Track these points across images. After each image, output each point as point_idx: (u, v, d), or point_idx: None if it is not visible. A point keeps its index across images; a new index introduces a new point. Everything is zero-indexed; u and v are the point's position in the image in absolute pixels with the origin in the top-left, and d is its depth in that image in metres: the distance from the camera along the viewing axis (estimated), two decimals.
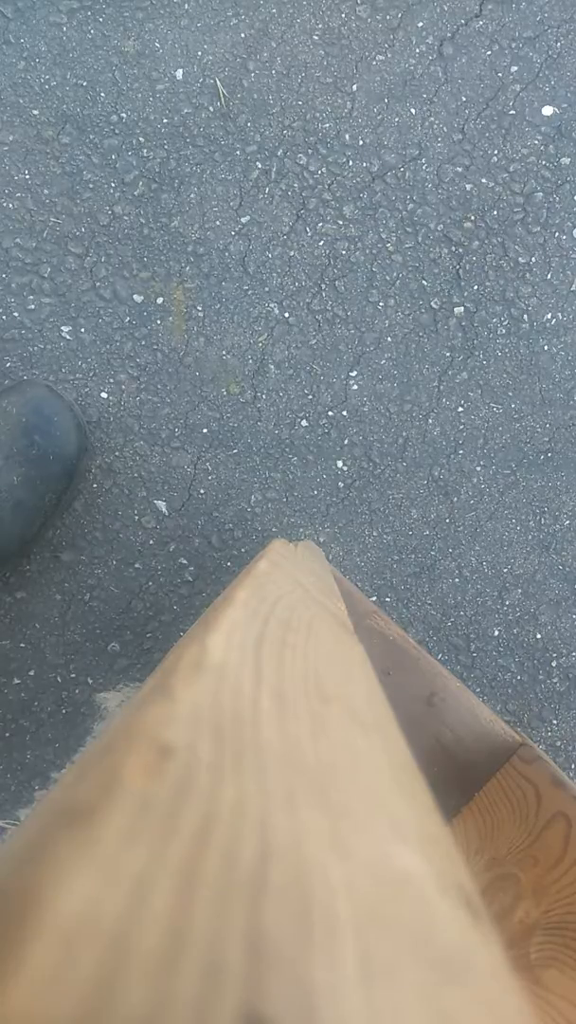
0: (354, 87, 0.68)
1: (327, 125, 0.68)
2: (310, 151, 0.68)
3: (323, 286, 0.69)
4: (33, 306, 0.66)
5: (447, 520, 0.73)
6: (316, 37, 0.67)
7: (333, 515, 0.72)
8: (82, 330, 0.67)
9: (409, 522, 0.73)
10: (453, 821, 0.60)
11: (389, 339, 0.70)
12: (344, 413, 0.71)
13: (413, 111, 0.68)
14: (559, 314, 0.71)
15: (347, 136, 0.68)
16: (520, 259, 0.70)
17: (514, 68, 0.68)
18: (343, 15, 0.67)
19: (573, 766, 0.77)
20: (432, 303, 0.70)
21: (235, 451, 0.70)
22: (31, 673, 0.70)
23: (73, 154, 0.65)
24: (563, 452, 0.73)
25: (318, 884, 0.10)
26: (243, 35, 0.66)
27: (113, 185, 0.66)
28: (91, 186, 0.66)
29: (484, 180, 0.69)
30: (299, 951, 0.08)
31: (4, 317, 0.66)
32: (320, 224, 0.69)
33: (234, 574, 0.71)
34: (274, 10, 0.66)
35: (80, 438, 0.62)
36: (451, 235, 0.70)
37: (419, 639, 0.75)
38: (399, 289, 0.70)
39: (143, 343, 0.68)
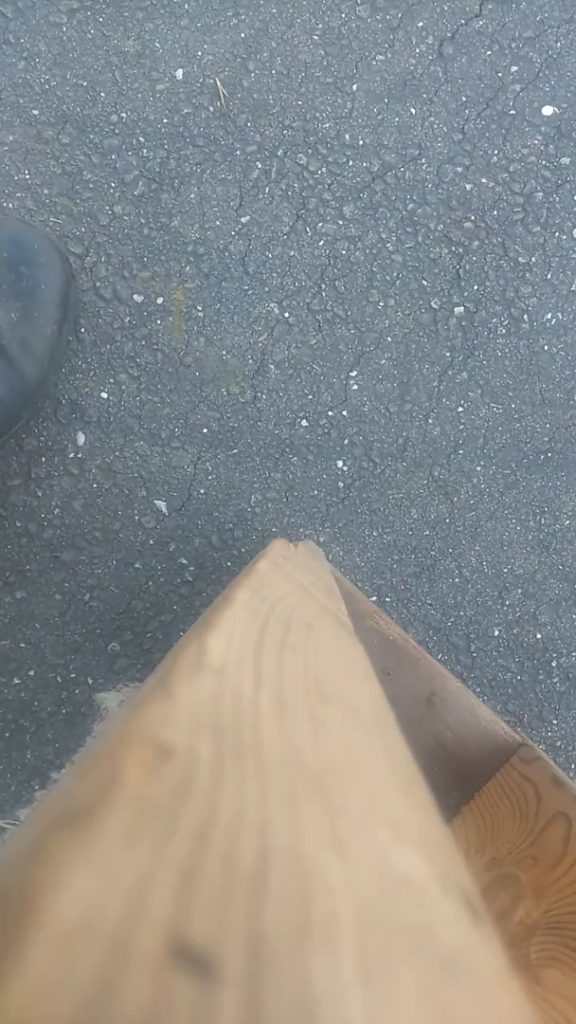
0: (354, 87, 0.68)
1: (327, 125, 0.68)
2: (310, 151, 0.68)
3: (323, 286, 0.69)
4: None
5: (447, 520, 0.73)
6: (316, 37, 0.67)
7: (333, 515, 0.72)
8: (82, 330, 0.67)
9: (409, 522, 0.73)
10: (453, 821, 0.60)
11: (389, 339, 0.70)
12: (344, 413, 0.71)
13: (413, 111, 0.68)
14: (559, 314, 0.71)
15: (347, 136, 0.68)
16: (520, 259, 0.70)
17: (514, 68, 0.68)
18: (343, 15, 0.67)
19: (573, 766, 0.77)
20: (432, 303, 0.70)
21: (235, 451, 0.70)
22: (31, 673, 0.70)
23: (73, 154, 0.65)
24: (563, 452, 0.73)
25: (318, 884, 0.10)
26: (243, 35, 0.66)
27: (113, 185, 0.66)
28: (91, 186, 0.66)
29: (484, 180, 0.69)
30: (299, 951, 0.08)
31: None
32: (320, 224, 0.69)
33: (234, 574, 0.71)
34: (274, 10, 0.66)
35: (64, 263, 0.61)
36: (451, 235, 0.70)
37: (419, 639, 0.75)
38: (399, 289, 0.70)
39: (143, 343, 0.68)
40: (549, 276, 0.71)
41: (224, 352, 0.69)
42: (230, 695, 0.15)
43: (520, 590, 0.74)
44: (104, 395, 0.68)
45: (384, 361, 0.71)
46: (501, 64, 0.68)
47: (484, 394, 0.72)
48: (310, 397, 0.70)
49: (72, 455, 0.68)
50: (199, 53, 0.66)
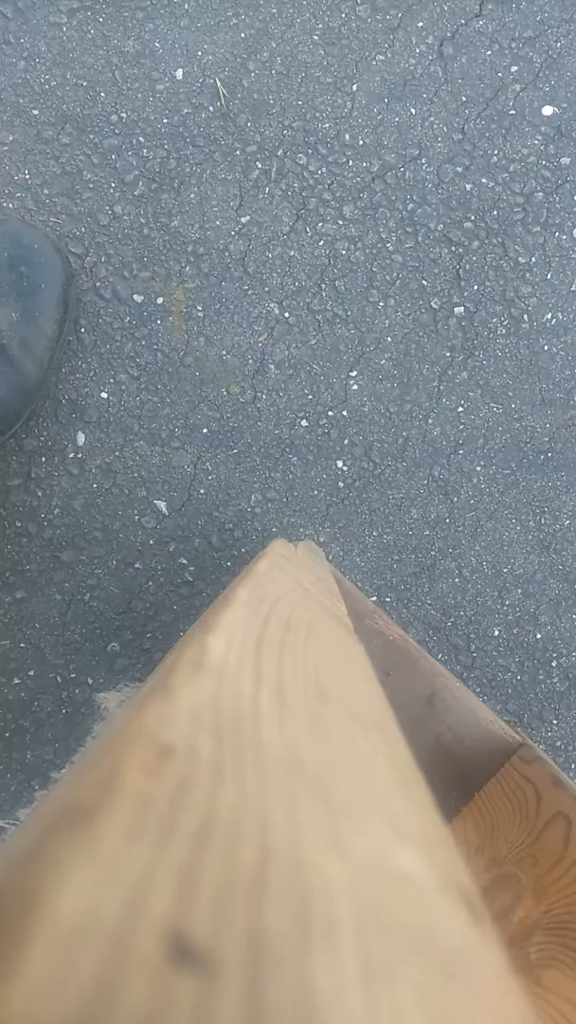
0: (354, 87, 0.68)
1: (327, 125, 0.68)
2: (310, 151, 0.68)
3: (323, 286, 0.69)
4: None
5: (447, 520, 0.73)
6: (316, 37, 0.67)
7: (333, 515, 0.72)
8: (82, 330, 0.67)
9: (409, 522, 0.73)
10: (453, 821, 0.60)
11: (389, 339, 0.70)
12: (344, 413, 0.71)
13: (413, 111, 0.68)
14: (559, 314, 0.71)
15: (347, 136, 0.68)
16: (520, 259, 0.70)
17: (514, 68, 0.68)
18: (343, 15, 0.67)
19: (573, 766, 0.77)
20: (432, 303, 0.70)
21: (235, 451, 0.70)
22: (31, 673, 0.70)
23: (73, 154, 0.65)
24: (563, 452, 0.73)
25: (318, 884, 0.10)
26: (243, 35, 0.66)
27: (113, 185, 0.66)
28: (91, 186, 0.66)
29: (484, 180, 0.69)
30: (299, 951, 0.08)
31: None
32: (320, 224, 0.69)
33: (234, 574, 0.71)
34: (274, 10, 0.66)
35: (64, 262, 0.61)
36: (451, 235, 0.70)
37: (419, 639, 0.75)
38: (399, 289, 0.70)
39: (143, 343, 0.68)
40: (549, 276, 0.71)
41: (224, 352, 0.69)
42: (230, 695, 0.15)
43: (520, 590, 0.74)
44: (104, 395, 0.68)
45: (384, 361, 0.71)
46: (501, 64, 0.68)
47: (484, 394, 0.72)
48: (310, 397, 0.70)
49: (72, 455, 0.68)
50: (199, 53, 0.66)
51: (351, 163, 0.68)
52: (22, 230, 0.59)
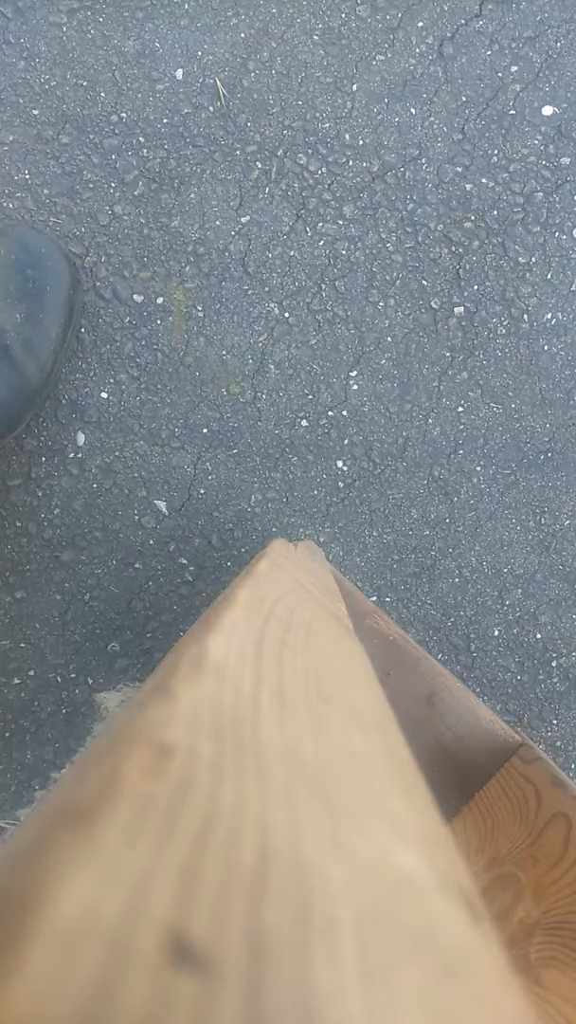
0: (354, 87, 0.68)
1: (327, 125, 0.68)
2: (310, 151, 0.68)
3: (323, 286, 0.69)
4: None
5: (447, 520, 0.73)
6: (316, 37, 0.67)
7: (333, 515, 0.72)
8: (82, 330, 0.67)
9: (409, 522, 0.73)
10: (453, 821, 0.60)
11: (389, 339, 0.70)
12: (344, 413, 0.71)
13: (413, 111, 0.68)
14: (559, 314, 0.71)
15: (347, 136, 0.68)
16: (520, 259, 0.70)
17: (514, 68, 0.68)
18: (343, 15, 0.67)
19: (573, 766, 0.76)
20: (432, 303, 0.70)
21: (235, 451, 0.70)
22: (31, 673, 0.70)
23: (73, 154, 0.65)
24: (563, 452, 0.73)
25: (318, 884, 0.10)
26: (243, 35, 0.66)
27: (113, 185, 0.66)
28: (91, 186, 0.66)
29: (484, 180, 0.69)
30: (299, 951, 0.08)
31: None
32: (320, 224, 0.69)
33: (234, 574, 0.71)
34: (274, 10, 0.66)
35: (71, 267, 0.62)
36: (451, 235, 0.70)
37: (419, 639, 0.75)
38: (399, 289, 0.70)
39: (143, 343, 0.68)
40: (549, 276, 0.71)
41: (224, 352, 0.69)
42: (230, 695, 0.15)
43: (520, 590, 0.74)
44: (104, 395, 0.68)
45: (384, 361, 0.71)
46: (501, 64, 0.68)
47: (484, 394, 0.72)
48: (310, 397, 0.70)
49: (72, 455, 0.68)
50: (199, 53, 0.66)
51: (351, 163, 0.68)
52: (29, 234, 0.60)
